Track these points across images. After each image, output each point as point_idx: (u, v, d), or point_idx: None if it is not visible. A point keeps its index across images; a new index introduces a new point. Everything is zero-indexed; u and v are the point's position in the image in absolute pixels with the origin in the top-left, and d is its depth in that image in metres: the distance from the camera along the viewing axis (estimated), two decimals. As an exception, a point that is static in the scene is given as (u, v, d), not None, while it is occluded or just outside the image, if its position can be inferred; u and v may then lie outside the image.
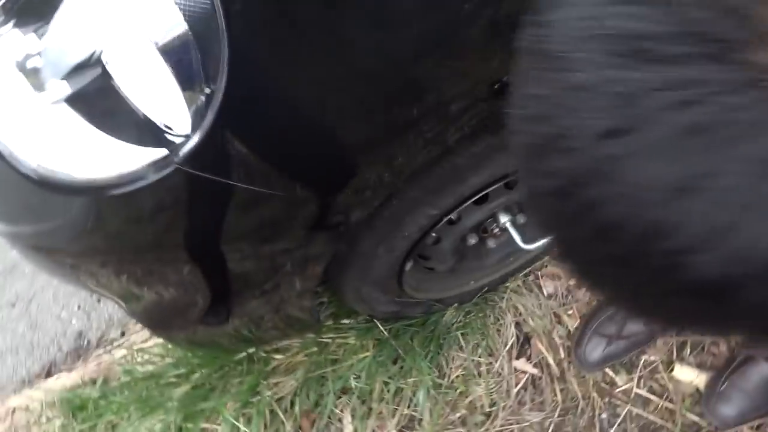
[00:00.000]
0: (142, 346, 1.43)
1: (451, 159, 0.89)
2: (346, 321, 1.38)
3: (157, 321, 1.11)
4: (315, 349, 1.36)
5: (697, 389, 1.34)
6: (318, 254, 0.96)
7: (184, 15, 0.64)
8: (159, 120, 0.71)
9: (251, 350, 1.32)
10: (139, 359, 1.41)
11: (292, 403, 1.34)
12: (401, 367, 1.36)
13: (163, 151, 0.71)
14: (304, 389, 1.33)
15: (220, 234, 0.83)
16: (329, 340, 1.36)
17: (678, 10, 0.24)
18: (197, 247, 0.86)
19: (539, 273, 1.47)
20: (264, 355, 1.35)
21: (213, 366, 1.33)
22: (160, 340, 1.36)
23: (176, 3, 0.63)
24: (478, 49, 0.75)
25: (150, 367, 1.35)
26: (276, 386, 1.33)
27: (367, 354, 1.34)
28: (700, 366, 1.36)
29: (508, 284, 1.44)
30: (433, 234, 1.10)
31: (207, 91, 0.68)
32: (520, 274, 1.45)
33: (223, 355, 1.35)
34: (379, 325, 1.35)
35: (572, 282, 1.47)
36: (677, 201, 0.24)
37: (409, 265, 1.13)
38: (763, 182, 0.22)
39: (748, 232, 0.23)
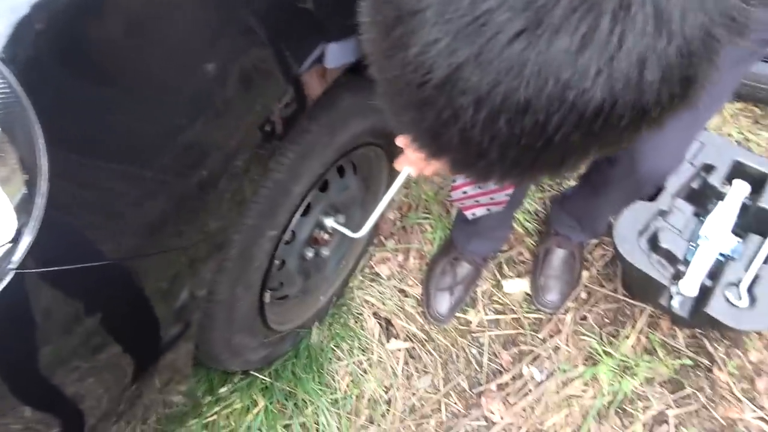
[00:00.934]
0: None
1: (271, 176, 0.96)
2: (223, 390, 1.33)
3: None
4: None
5: (526, 293, 1.61)
6: (187, 331, 0.94)
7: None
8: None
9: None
10: None
11: (207, 498, 1.24)
12: (295, 404, 1.36)
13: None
14: (213, 477, 1.24)
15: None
16: (215, 417, 1.30)
17: None
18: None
19: (371, 263, 1.60)
20: (155, 467, 1.22)
21: None
22: None
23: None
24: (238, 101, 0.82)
25: None
26: (182, 491, 1.22)
27: (258, 408, 1.31)
28: (519, 275, 1.63)
29: (351, 285, 1.54)
30: (277, 261, 1.15)
31: (26, 178, 0.64)
32: (357, 272, 1.56)
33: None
34: (258, 375, 1.33)
35: (401, 259, 1.63)
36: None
37: (267, 297, 1.15)
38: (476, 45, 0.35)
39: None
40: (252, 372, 1.33)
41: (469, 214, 1.20)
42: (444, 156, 0.45)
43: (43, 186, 0.64)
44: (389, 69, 0.41)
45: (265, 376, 1.33)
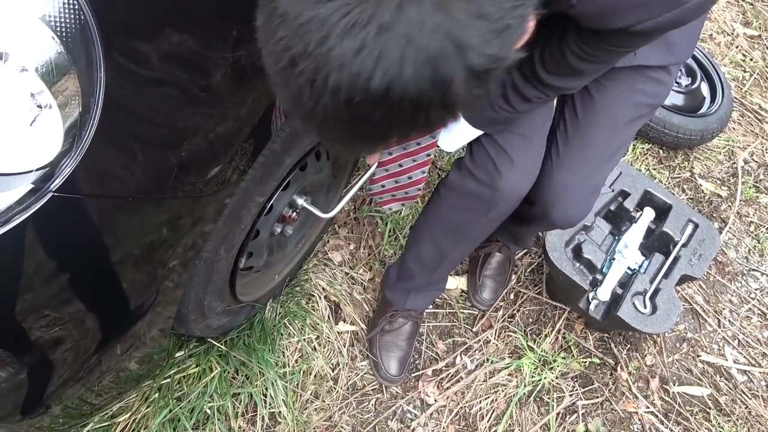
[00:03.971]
0: None
1: (270, 146, 1.04)
2: (179, 354, 1.35)
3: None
4: (156, 395, 1.29)
5: (462, 290, 1.75)
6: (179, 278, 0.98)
7: (55, 33, 0.64)
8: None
9: (90, 426, 1.18)
10: None
11: (153, 459, 1.25)
12: (246, 375, 1.40)
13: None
14: (161, 438, 1.26)
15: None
16: (168, 380, 1.31)
17: None
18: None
19: (325, 249, 1.68)
20: (105, 425, 1.22)
21: (50, 461, 1.13)
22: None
23: (46, 22, 0.63)
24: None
25: None
26: (130, 450, 1.23)
27: (213, 374, 1.34)
28: (458, 274, 1.78)
29: (305, 267, 1.61)
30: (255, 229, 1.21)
31: (80, 110, 0.69)
32: (311, 257, 1.64)
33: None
34: (215, 343, 1.36)
35: (352, 248, 1.73)
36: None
37: (242, 262, 1.21)
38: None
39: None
40: (208, 339, 1.36)
41: (386, 208, 1.37)
42: (306, 123, 0.58)
43: (95, 116, 0.69)
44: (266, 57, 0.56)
45: (221, 344, 1.37)
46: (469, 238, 1.34)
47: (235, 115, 0.88)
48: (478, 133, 1.15)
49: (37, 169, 0.69)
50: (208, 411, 1.33)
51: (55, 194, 0.69)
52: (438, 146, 1.21)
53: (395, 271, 1.50)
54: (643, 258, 1.68)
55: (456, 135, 1.17)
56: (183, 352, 1.35)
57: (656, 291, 1.61)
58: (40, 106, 0.70)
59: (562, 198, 1.23)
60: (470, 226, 1.28)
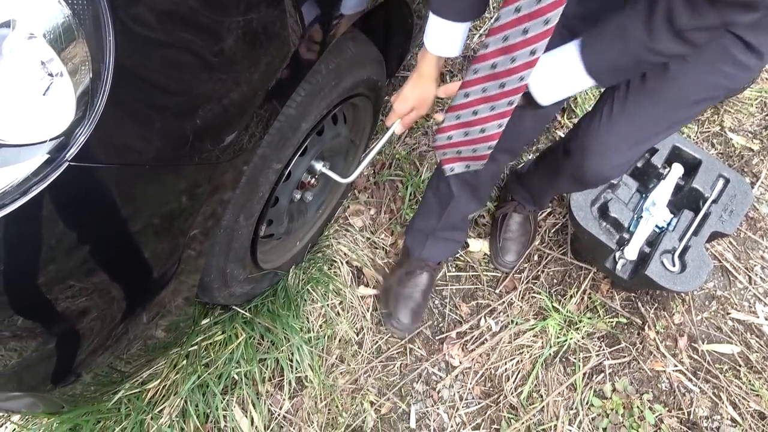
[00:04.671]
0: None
1: (285, 111, 1.02)
2: (204, 321, 1.36)
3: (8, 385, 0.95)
4: (185, 361, 1.31)
5: (485, 253, 1.73)
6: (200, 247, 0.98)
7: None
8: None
9: (121, 393, 1.21)
10: None
11: (185, 423, 1.28)
12: (272, 341, 1.42)
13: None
14: (192, 404, 1.28)
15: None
16: (195, 347, 1.33)
17: None
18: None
19: (346, 215, 1.67)
20: (136, 391, 1.25)
21: (87, 425, 1.17)
22: (7, 430, 1.14)
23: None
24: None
25: None
26: (161, 414, 1.25)
27: (239, 341, 1.36)
28: (479, 236, 1.76)
29: (326, 233, 1.61)
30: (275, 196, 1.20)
31: (90, 76, 0.67)
32: (332, 223, 1.63)
33: (94, 408, 1.20)
34: (239, 310, 1.37)
35: (373, 213, 1.71)
36: None
37: (262, 230, 1.20)
38: None
39: None
40: (233, 307, 1.37)
41: (447, 168, 1.20)
42: None
43: (106, 83, 0.68)
44: None
45: (245, 311, 1.38)
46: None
47: (248, 80, 0.86)
48: (581, 86, 0.98)
49: (52, 139, 0.69)
50: (236, 376, 1.35)
51: (71, 164, 0.68)
52: (531, 95, 1.00)
53: (417, 214, 1.54)
54: (672, 215, 1.64)
55: (555, 84, 0.98)
56: (208, 320, 1.37)
57: (685, 249, 1.57)
58: (51, 75, 0.69)
59: (600, 157, 1.17)
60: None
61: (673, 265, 1.54)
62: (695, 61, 1.03)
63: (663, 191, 1.65)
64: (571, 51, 0.95)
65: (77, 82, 0.67)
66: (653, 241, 1.60)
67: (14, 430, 1.21)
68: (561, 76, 0.97)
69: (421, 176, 1.77)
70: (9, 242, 0.71)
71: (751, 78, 1.11)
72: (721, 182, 1.65)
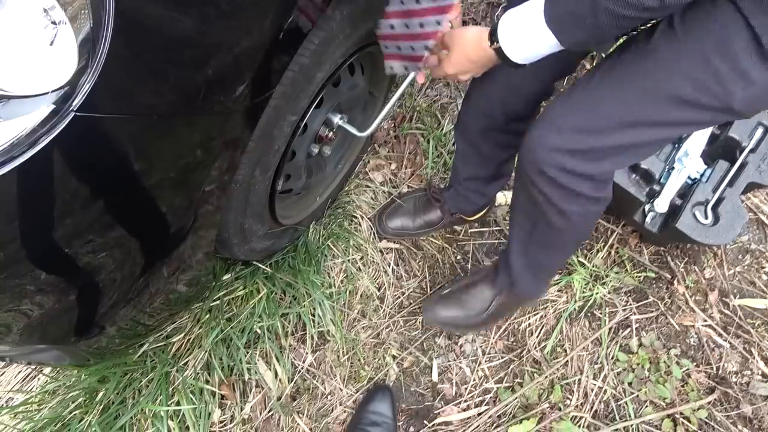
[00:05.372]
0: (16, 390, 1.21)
1: (298, 60, 0.98)
2: (226, 277, 1.37)
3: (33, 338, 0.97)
4: (208, 315, 1.33)
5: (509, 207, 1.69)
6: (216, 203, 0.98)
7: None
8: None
9: (146, 346, 1.23)
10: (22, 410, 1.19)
11: (209, 375, 1.30)
12: (293, 296, 1.42)
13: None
14: (216, 357, 1.31)
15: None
16: (218, 302, 1.35)
17: None
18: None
19: (366, 170, 1.65)
20: (161, 344, 1.27)
21: (114, 377, 1.20)
22: (39, 381, 1.18)
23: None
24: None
25: (46, 411, 1.16)
26: (186, 367, 1.28)
27: (261, 295, 1.36)
28: (504, 189, 1.71)
29: (346, 189, 1.59)
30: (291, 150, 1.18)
31: (91, 24, 0.65)
32: (352, 178, 1.61)
33: (120, 361, 1.23)
34: (260, 265, 1.38)
35: (394, 167, 1.69)
36: None
37: (280, 184, 1.19)
38: None
39: None
40: (254, 263, 1.38)
41: (388, 65, 1.13)
42: None
43: (108, 30, 0.65)
44: None
45: (266, 267, 1.39)
46: None
47: (257, 26, 0.83)
48: (545, 41, 0.85)
49: (56, 89, 0.67)
50: (258, 331, 1.36)
51: (78, 114, 0.67)
52: (503, 54, 0.91)
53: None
54: (706, 166, 1.57)
55: (521, 36, 0.88)
56: (230, 275, 1.37)
57: (719, 200, 1.50)
58: (55, 23, 0.67)
59: (541, 128, 0.96)
60: None
61: (706, 218, 1.48)
62: (684, 38, 0.82)
63: (697, 141, 1.57)
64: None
65: (77, 29, 0.65)
66: (685, 193, 1.53)
67: (46, 382, 1.25)
68: (524, 27, 0.86)
69: (442, 129, 1.72)
70: (23, 195, 0.71)
71: (754, 101, 0.83)
72: (760, 131, 1.57)
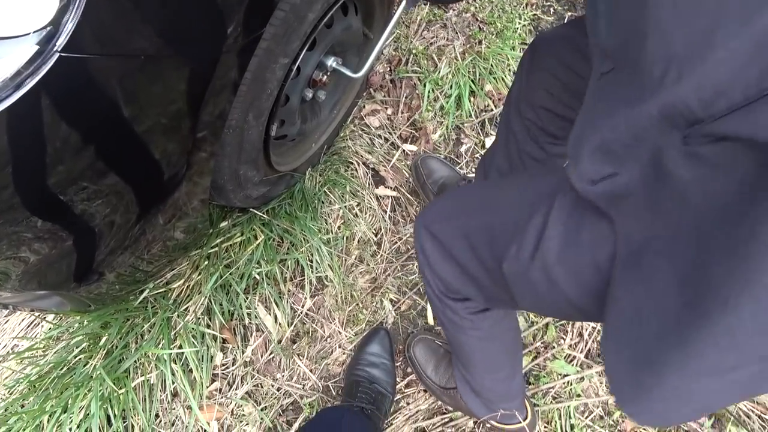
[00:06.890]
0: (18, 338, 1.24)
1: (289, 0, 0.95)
2: (223, 224, 1.38)
3: (32, 284, 0.98)
4: (206, 262, 1.34)
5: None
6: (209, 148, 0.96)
7: None
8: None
9: (146, 293, 1.25)
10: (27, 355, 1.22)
11: (210, 320, 1.33)
12: (291, 243, 1.43)
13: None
14: (216, 302, 1.33)
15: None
16: (216, 249, 1.36)
17: None
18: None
19: (362, 114, 1.62)
20: (162, 291, 1.29)
21: (116, 322, 1.23)
22: (43, 328, 1.20)
23: None
24: None
25: (51, 356, 1.19)
26: (186, 312, 1.30)
27: (258, 242, 1.37)
28: (501, 134, 1.70)
29: (342, 135, 1.57)
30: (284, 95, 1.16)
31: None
32: (348, 123, 1.59)
33: (121, 307, 1.25)
34: (257, 212, 1.38)
35: (390, 112, 1.66)
36: None
37: (273, 129, 1.17)
38: None
39: None
40: (250, 210, 1.38)
41: None
42: None
43: (88, -37, 0.63)
44: None
45: (263, 213, 1.39)
46: None
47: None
48: None
49: (39, 30, 0.65)
50: (257, 276, 1.37)
51: (62, 54, 0.65)
52: None
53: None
54: None
55: None
56: (227, 222, 1.38)
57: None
58: (30, -41, 0.64)
59: None
60: None
61: None
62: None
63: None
64: None
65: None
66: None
67: (50, 328, 1.27)
68: None
69: (439, 72, 1.69)
70: (13, 140, 0.70)
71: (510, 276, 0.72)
72: None
